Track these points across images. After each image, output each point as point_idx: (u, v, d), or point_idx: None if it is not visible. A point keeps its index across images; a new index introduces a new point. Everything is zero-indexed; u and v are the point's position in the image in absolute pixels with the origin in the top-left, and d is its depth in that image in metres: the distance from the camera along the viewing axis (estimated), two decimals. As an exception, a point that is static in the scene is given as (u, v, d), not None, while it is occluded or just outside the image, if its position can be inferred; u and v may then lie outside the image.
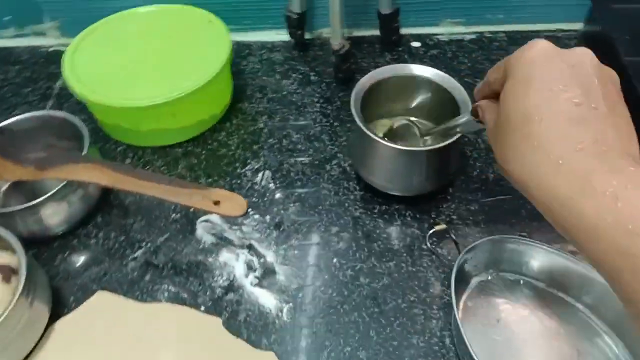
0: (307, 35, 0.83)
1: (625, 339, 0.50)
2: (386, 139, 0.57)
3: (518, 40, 0.81)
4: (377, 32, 0.82)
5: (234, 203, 0.53)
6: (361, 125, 0.57)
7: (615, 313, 0.50)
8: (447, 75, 0.60)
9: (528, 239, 0.54)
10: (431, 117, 0.65)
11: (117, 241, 0.62)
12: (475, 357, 0.45)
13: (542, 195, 0.33)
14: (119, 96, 0.64)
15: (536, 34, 0.81)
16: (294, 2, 0.78)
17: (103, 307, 0.56)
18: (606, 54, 0.69)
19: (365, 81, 0.60)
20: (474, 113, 0.44)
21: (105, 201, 0.65)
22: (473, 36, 0.82)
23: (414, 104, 0.65)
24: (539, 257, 0.54)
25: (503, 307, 0.54)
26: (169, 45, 0.71)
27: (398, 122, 0.64)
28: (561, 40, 0.80)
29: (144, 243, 0.61)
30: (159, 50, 0.71)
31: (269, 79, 0.79)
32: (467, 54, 0.80)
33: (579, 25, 0.79)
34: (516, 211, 0.62)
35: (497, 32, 0.82)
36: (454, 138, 0.55)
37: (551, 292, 0.54)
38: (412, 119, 0.65)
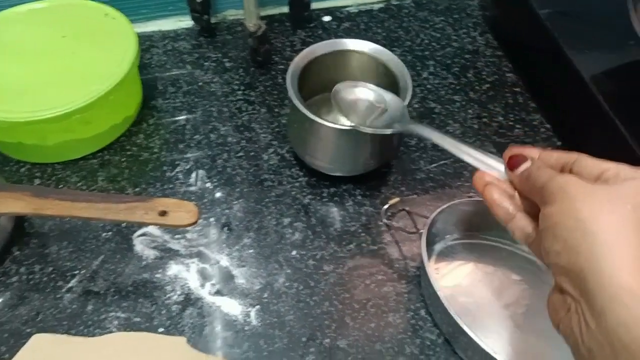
0: (212, 19, 0.77)
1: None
2: (328, 119, 0.55)
3: (424, 5, 0.81)
4: (286, 10, 0.78)
5: (183, 211, 0.48)
6: (302, 107, 0.54)
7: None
8: (381, 47, 0.59)
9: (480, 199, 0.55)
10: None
11: (44, 274, 0.54)
12: (457, 320, 0.45)
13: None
14: (19, 109, 0.56)
15: (442, -3, 0.82)
16: (194, -15, 0.72)
17: (44, 351, 0.49)
18: (515, 10, 0.72)
19: (299, 61, 0.57)
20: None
21: (20, 231, 0.57)
22: (381, 5, 0.81)
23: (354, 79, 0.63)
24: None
25: (468, 269, 0.55)
26: (64, 46, 0.63)
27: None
28: (464, 1, 0.81)
29: (76, 271, 0.54)
30: (55, 53, 0.62)
31: (180, 70, 0.73)
32: (379, 24, 0.79)
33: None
34: (459, 174, 0.62)
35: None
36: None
37: (511, 248, 0.55)
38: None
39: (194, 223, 0.48)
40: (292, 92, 0.55)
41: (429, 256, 0.54)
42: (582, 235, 0.30)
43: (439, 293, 0.47)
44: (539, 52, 0.68)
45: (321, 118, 0.53)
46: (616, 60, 0.54)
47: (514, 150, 0.39)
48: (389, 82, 0.57)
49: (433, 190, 0.61)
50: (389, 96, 0.53)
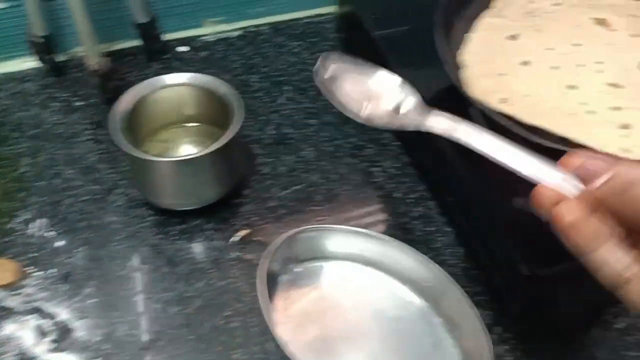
0: (60, 57, 0.75)
1: (431, 300, 0.53)
2: (159, 154, 0.54)
3: (282, 30, 0.82)
4: (137, 43, 0.77)
5: (1, 270, 0.45)
6: (126, 148, 0.52)
7: (416, 274, 0.54)
8: (210, 77, 0.58)
9: (321, 225, 0.55)
10: (212, 122, 0.63)
11: None
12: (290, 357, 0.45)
13: None
14: None
15: (297, 22, 0.83)
16: (34, 25, 0.69)
17: None
18: (358, 32, 0.74)
19: (128, 100, 0.56)
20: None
21: None
22: (239, 32, 0.81)
23: (190, 112, 0.62)
24: (336, 239, 0.55)
25: (317, 295, 0.55)
26: None
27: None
28: (322, 24, 0.83)
29: None
30: None
31: (25, 113, 0.70)
32: (237, 51, 0.79)
33: (334, 8, 0.83)
34: (311, 197, 0.63)
35: (260, 25, 0.82)
36: (230, 138, 0.54)
37: (356, 268, 0.56)
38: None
39: (15, 282, 0.45)
40: (113, 134, 0.53)
41: (275, 288, 0.54)
42: None
43: (272, 329, 0.47)
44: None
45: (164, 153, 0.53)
46: (441, 82, 0.56)
47: (579, 157, 0.29)
48: (221, 111, 0.57)
49: (286, 217, 0.61)
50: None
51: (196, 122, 0.63)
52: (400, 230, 0.60)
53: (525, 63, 0.51)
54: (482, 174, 0.52)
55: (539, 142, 0.44)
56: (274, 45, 0.80)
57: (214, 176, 0.57)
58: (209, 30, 0.81)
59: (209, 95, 0.58)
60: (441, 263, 0.57)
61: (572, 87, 0.49)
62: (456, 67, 0.52)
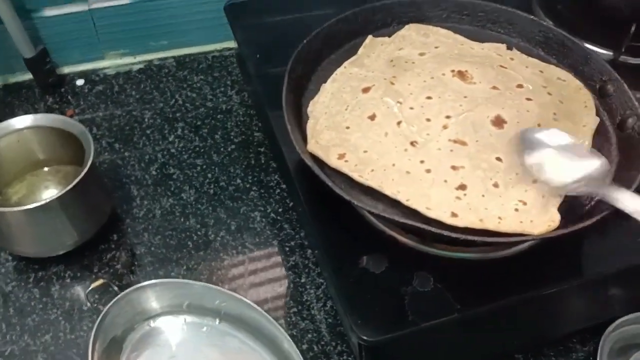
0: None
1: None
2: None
3: (186, 64, 0.80)
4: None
5: None
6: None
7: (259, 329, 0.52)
8: (60, 117, 0.57)
9: (172, 280, 0.53)
10: (76, 162, 0.60)
11: None
12: None
13: None
14: None
15: (204, 55, 0.81)
16: None
17: None
18: (245, 70, 0.72)
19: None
20: None
21: None
22: (141, 66, 0.80)
23: (44, 156, 0.60)
24: (190, 294, 0.53)
25: (172, 351, 0.52)
26: None
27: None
28: (227, 58, 0.81)
29: None
30: None
31: None
32: (135, 85, 0.77)
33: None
34: (183, 245, 0.61)
35: (165, 58, 0.81)
36: (78, 179, 0.52)
37: (208, 324, 0.54)
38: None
39: None
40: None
41: (122, 347, 0.51)
42: None
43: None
44: (261, 109, 0.68)
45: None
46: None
47: None
48: (73, 149, 0.55)
49: (150, 266, 0.59)
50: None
51: (58, 164, 0.61)
52: (271, 281, 0.58)
53: (371, 117, 0.49)
54: (331, 231, 0.51)
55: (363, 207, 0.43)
56: (175, 79, 0.78)
57: (69, 222, 0.55)
58: (111, 62, 0.79)
59: (61, 135, 0.56)
60: (309, 318, 0.55)
61: (414, 143, 0.47)
62: (307, 118, 0.50)
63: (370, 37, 0.58)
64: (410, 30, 0.58)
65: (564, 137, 0.45)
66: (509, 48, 0.58)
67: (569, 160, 0.44)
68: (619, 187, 0.41)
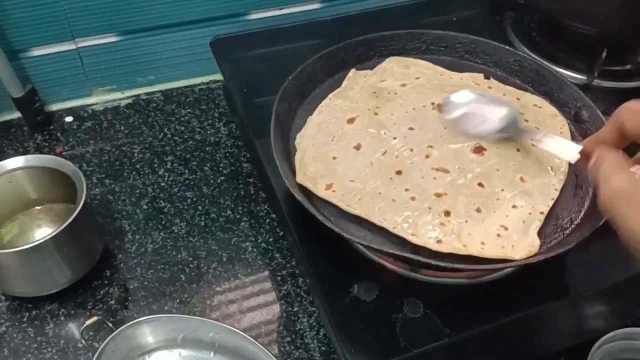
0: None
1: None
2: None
3: (174, 97, 0.82)
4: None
5: None
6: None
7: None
8: (51, 157, 0.58)
9: (167, 315, 0.54)
10: (68, 199, 0.61)
11: None
12: None
13: None
14: None
15: (190, 88, 0.83)
16: None
17: None
18: (232, 102, 0.74)
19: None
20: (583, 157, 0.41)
21: None
22: (129, 101, 0.81)
23: (36, 196, 0.61)
24: (185, 328, 0.54)
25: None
26: None
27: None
28: (214, 91, 0.83)
29: None
30: None
31: None
32: (124, 120, 0.78)
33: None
34: (176, 278, 0.61)
35: (153, 93, 0.82)
36: (71, 218, 0.52)
37: (203, 357, 0.54)
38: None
39: None
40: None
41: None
42: None
43: None
44: (249, 140, 0.69)
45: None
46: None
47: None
48: (65, 188, 0.56)
49: (144, 300, 0.59)
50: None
51: (50, 203, 0.61)
52: (264, 311, 0.59)
53: (357, 147, 0.51)
54: (321, 260, 0.52)
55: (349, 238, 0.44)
56: (163, 113, 0.80)
57: (62, 261, 0.55)
58: (99, 99, 0.81)
59: (53, 175, 0.57)
60: (303, 347, 0.56)
61: (398, 172, 0.49)
62: (294, 150, 0.52)
63: (353, 70, 0.60)
64: (392, 63, 0.61)
65: (473, 94, 0.53)
66: (487, 77, 0.60)
67: (480, 113, 0.51)
68: (535, 129, 0.50)
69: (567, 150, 0.44)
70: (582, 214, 0.49)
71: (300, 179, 0.50)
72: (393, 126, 0.51)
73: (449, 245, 0.45)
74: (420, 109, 0.53)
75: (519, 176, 0.49)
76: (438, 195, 0.47)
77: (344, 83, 0.59)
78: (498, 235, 0.46)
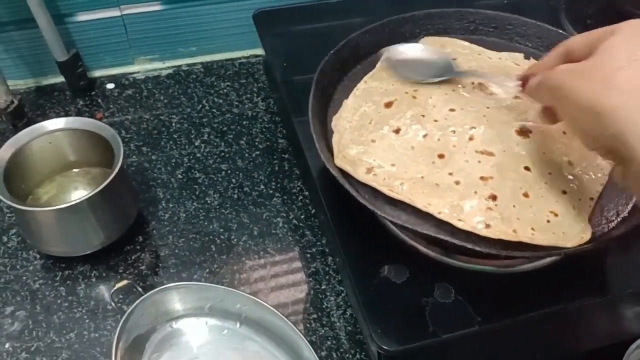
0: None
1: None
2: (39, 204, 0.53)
3: (214, 70, 0.82)
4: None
5: None
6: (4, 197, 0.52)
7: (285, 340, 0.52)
8: (90, 120, 0.58)
9: (194, 283, 0.54)
10: (105, 164, 0.62)
11: None
12: None
13: None
14: None
15: (230, 62, 0.82)
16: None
17: None
18: (272, 77, 0.73)
19: (6, 149, 0.55)
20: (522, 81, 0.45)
21: None
22: (170, 71, 0.81)
23: (74, 158, 0.62)
24: (212, 296, 0.54)
25: (193, 353, 0.53)
26: None
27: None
28: (254, 65, 0.82)
29: None
30: None
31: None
32: (164, 90, 0.78)
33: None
34: (206, 248, 0.62)
35: (193, 64, 0.82)
36: (106, 184, 0.53)
37: (229, 327, 0.54)
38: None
39: None
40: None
41: (144, 347, 0.52)
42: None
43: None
44: (286, 117, 0.69)
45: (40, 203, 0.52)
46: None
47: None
48: (109, 153, 0.56)
49: (174, 268, 0.60)
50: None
51: (88, 166, 0.62)
52: (291, 287, 0.59)
53: (396, 131, 0.49)
54: (353, 240, 0.51)
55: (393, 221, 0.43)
56: (203, 85, 0.80)
57: (96, 223, 0.56)
58: (141, 67, 0.81)
59: (92, 138, 0.58)
60: (329, 325, 0.55)
61: (441, 156, 0.47)
62: (331, 131, 0.51)
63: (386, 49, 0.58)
64: (427, 42, 0.59)
65: (419, 46, 0.57)
66: (527, 57, 0.57)
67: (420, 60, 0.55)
68: (475, 70, 0.54)
69: (508, 82, 0.47)
70: (629, 207, 0.47)
71: (339, 162, 0.49)
72: (433, 109, 0.50)
73: (498, 230, 0.43)
74: (460, 90, 0.51)
75: (566, 160, 0.47)
76: (483, 179, 0.45)
77: (378, 64, 0.57)
78: (548, 221, 0.44)
